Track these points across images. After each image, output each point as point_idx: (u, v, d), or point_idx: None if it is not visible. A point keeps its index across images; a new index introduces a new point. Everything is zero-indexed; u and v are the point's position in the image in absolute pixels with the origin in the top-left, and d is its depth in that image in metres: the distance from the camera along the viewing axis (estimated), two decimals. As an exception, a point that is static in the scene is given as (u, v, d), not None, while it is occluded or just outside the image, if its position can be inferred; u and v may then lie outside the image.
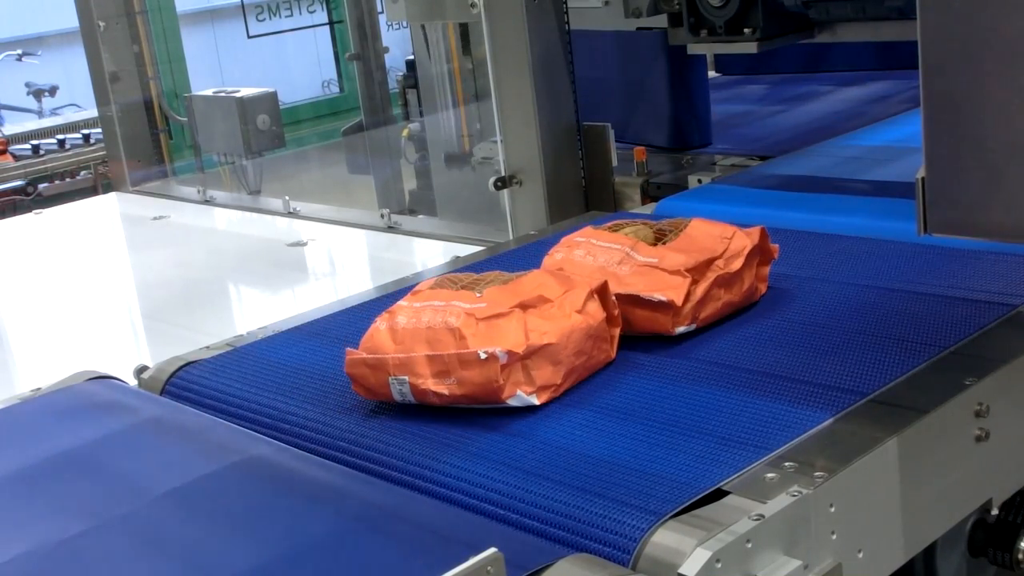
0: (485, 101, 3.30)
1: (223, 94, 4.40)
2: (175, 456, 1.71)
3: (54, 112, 8.45)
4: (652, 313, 1.88)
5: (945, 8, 1.41)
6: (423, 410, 1.73)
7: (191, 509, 1.54)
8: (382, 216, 3.56)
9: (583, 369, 1.77)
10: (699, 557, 1.27)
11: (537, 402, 1.69)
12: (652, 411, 1.66)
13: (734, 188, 2.89)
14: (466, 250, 2.91)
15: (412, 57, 4.30)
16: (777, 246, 2.07)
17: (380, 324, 1.78)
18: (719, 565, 1.27)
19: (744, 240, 1.99)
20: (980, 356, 1.72)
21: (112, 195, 4.69)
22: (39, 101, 8.66)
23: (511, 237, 2.94)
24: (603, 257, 1.97)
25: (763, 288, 2.05)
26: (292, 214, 3.85)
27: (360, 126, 4.87)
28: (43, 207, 4.69)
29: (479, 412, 1.70)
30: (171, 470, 1.64)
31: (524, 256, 2.52)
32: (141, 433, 1.80)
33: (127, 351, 2.74)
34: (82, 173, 6.56)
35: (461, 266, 2.55)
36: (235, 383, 1.97)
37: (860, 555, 1.45)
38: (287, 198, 3.91)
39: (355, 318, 2.22)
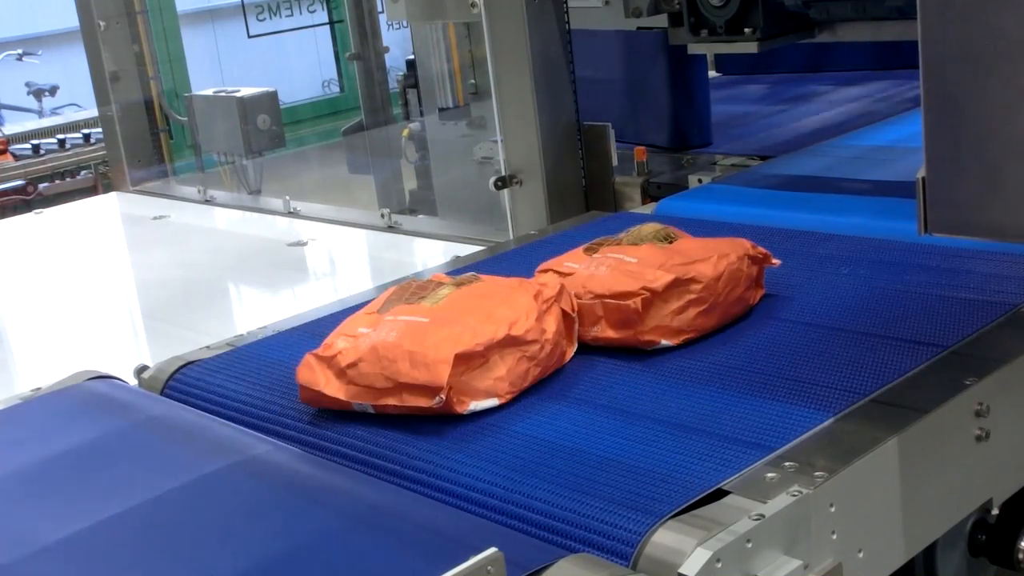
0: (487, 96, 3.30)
1: (223, 94, 4.39)
2: (175, 456, 1.71)
3: (54, 112, 8.44)
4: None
5: (945, 8, 1.41)
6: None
7: (191, 509, 1.54)
8: (382, 216, 3.56)
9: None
10: (699, 557, 1.27)
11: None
12: (652, 411, 1.66)
13: (734, 188, 2.89)
14: (466, 250, 2.91)
15: (412, 57, 4.29)
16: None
17: None
18: (719, 565, 1.27)
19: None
20: (980, 356, 1.72)
21: (112, 195, 4.69)
22: (39, 101, 8.66)
23: (511, 237, 2.94)
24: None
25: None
26: (292, 214, 3.85)
27: (360, 126, 4.86)
28: (43, 207, 4.69)
29: (479, 413, 1.70)
30: (171, 470, 1.64)
31: (524, 256, 2.52)
32: (141, 433, 1.80)
33: (127, 351, 2.74)
34: (82, 173, 6.56)
35: (461, 266, 2.55)
36: (235, 383, 1.97)
37: (860, 555, 1.45)
38: (287, 198, 3.91)
39: (355, 318, 2.22)
